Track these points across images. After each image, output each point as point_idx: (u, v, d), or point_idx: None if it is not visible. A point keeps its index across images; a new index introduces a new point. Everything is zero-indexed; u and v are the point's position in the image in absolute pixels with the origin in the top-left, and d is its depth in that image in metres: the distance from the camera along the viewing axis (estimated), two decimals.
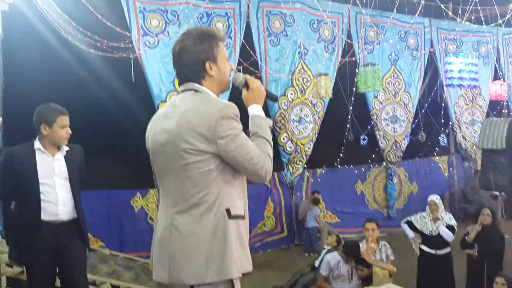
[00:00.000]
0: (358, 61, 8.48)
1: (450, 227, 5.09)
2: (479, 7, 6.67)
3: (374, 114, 8.94)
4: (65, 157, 3.35)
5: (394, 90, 9.14)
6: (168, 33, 6.98)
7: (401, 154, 9.36)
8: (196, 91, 1.92)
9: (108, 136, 8.45)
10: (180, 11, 6.99)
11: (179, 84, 1.99)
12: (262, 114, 2.05)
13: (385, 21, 8.80)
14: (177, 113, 1.86)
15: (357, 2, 6.64)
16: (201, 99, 1.88)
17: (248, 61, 7.43)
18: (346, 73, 8.20)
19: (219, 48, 1.96)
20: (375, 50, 8.83)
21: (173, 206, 1.88)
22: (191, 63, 1.92)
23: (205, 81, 1.94)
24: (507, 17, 6.29)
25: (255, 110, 2.04)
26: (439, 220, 5.13)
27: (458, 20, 7.13)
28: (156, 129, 1.94)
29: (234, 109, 1.84)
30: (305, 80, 8.14)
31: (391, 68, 9.09)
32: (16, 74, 6.49)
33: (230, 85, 2.05)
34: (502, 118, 5.62)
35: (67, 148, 3.38)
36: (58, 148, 3.34)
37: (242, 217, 1.92)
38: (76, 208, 3.34)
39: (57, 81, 7.67)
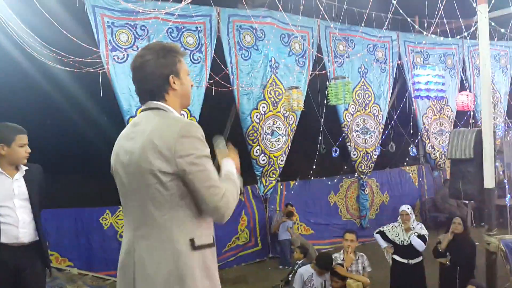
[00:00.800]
0: (328, 74, 8.59)
1: (421, 237, 5.17)
2: (444, 20, 6.86)
3: (345, 126, 9.05)
4: (24, 177, 3.25)
5: (364, 102, 9.29)
6: (137, 47, 6.91)
7: (372, 165, 9.49)
8: (158, 109, 1.87)
9: (76, 153, 8.28)
10: (149, 25, 6.95)
11: (140, 101, 1.95)
12: (233, 167, 2.00)
13: (353, 35, 8.96)
14: (139, 133, 1.80)
15: (326, 16, 6.71)
16: (163, 118, 1.82)
17: (220, 75, 7.42)
18: (317, 86, 8.28)
19: (181, 63, 1.94)
20: (344, 63, 8.96)
21: (136, 229, 1.80)
22: (155, 77, 1.86)
23: (168, 95, 1.89)
24: (472, 29, 6.49)
25: (227, 161, 2.02)
26: (410, 230, 5.21)
27: (425, 33, 7.30)
28: (119, 150, 1.89)
29: (197, 128, 1.78)
30: (277, 93, 8.18)
31: (360, 81, 9.23)
32: None
33: (191, 101, 2.05)
34: (469, 128, 5.75)
35: (25, 168, 3.28)
36: (17, 168, 3.24)
37: (210, 245, 1.83)
38: (37, 229, 3.23)
39: (23, 98, 7.49)
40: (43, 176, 3.45)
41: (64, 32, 5.28)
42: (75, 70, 6.31)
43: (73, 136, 8.35)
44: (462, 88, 10.52)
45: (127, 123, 6.71)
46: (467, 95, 9.11)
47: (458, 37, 7.82)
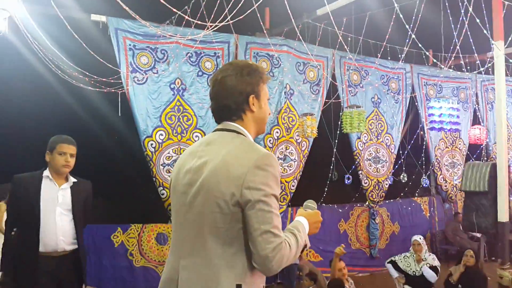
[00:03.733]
0: (342, 103, 8.70)
1: (433, 268, 5.16)
2: (460, 55, 6.99)
3: (357, 154, 9.10)
4: (71, 188, 3.36)
5: (376, 131, 9.36)
6: (157, 70, 7.12)
7: (384, 194, 9.48)
8: (236, 132, 1.73)
9: (90, 170, 8.38)
10: (169, 50, 7.16)
11: (216, 120, 1.83)
12: (307, 225, 1.83)
13: (368, 66, 9.12)
14: (211, 153, 1.66)
15: (345, 47, 6.87)
16: (241, 143, 1.67)
17: None
18: (331, 114, 8.40)
19: (264, 86, 1.83)
20: (358, 92, 9.09)
21: (183, 257, 1.66)
22: (235, 93, 1.74)
23: (246, 116, 1.77)
24: (486, 65, 6.60)
25: (302, 218, 1.84)
26: (422, 261, 5.20)
27: (442, 66, 7.41)
28: (181, 166, 1.74)
29: (273, 160, 1.61)
30: (290, 119, 8.29)
31: (373, 111, 9.33)
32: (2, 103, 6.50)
33: (266, 129, 1.94)
34: (483, 161, 5.79)
35: (74, 180, 3.39)
36: (66, 179, 3.36)
37: None
38: (77, 241, 3.32)
39: (42, 114, 7.69)
40: (91, 192, 3.55)
41: (91, 52, 5.47)
42: (96, 89, 6.50)
43: (88, 154, 8.48)
44: (474, 121, 10.55)
45: (143, 143, 6.99)
46: (480, 128, 9.14)
47: (474, 72, 7.92)
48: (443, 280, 5.37)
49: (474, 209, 4.69)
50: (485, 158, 10.06)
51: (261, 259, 1.53)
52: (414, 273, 5.17)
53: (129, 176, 8.18)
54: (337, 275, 4.73)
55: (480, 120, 10.61)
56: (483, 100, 10.82)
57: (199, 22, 5.54)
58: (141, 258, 7.13)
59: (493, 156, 10.45)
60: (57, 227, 3.23)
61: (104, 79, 6.44)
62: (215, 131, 1.79)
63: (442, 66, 7.01)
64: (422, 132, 9.93)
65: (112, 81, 6.60)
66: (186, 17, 5.22)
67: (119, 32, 6.89)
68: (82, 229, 3.41)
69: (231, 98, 1.75)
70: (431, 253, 5.43)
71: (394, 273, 5.40)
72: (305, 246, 1.75)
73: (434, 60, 5.27)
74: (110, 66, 6.33)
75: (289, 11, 5.04)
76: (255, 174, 1.54)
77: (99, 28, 6.73)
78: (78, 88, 6.61)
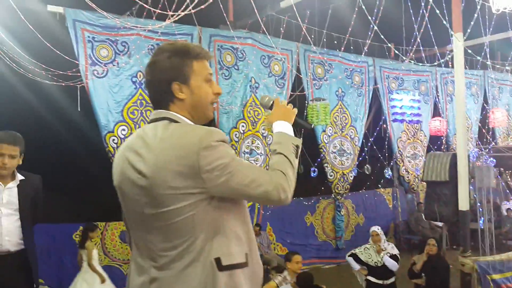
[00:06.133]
0: (307, 95, 8.73)
1: (393, 256, 5.24)
2: (421, 48, 7.12)
3: (323, 147, 9.17)
4: (18, 186, 3.18)
5: (341, 124, 9.45)
6: (117, 63, 6.92)
7: (348, 186, 9.60)
8: (170, 120, 1.60)
9: (50, 167, 8.08)
10: (130, 42, 6.97)
11: (154, 109, 1.70)
12: (288, 131, 1.73)
13: (332, 59, 9.18)
14: (150, 150, 1.53)
15: (309, 39, 6.88)
16: (177, 130, 1.55)
17: None
18: (296, 107, 8.38)
19: (193, 67, 1.63)
20: (322, 86, 9.14)
21: (151, 259, 1.57)
22: (156, 82, 1.62)
23: (174, 105, 1.63)
24: (446, 58, 6.76)
25: (279, 126, 1.73)
26: (382, 251, 5.27)
27: (401, 59, 7.55)
28: (124, 165, 1.60)
29: (217, 134, 1.53)
30: (256, 113, 8.26)
31: (338, 104, 9.41)
32: None
33: (213, 114, 1.76)
34: (444, 152, 5.92)
35: (21, 178, 3.21)
36: (13, 176, 3.18)
37: (242, 265, 1.56)
38: (24, 241, 3.16)
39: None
40: (40, 186, 3.36)
41: (48, 44, 5.23)
42: (55, 83, 6.25)
43: (47, 150, 8.17)
44: (435, 113, 10.83)
45: (104, 139, 6.78)
46: (440, 120, 9.38)
47: (434, 64, 8.09)
48: (406, 269, 5.47)
49: (435, 198, 4.80)
50: (446, 149, 10.33)
51: (269, 201, 1.55)
52: (376, 263, 5.23)
53: (90, 173, 7.92)
54: (293, 268, 4.72)
55: (440, 112, 10.89)
56: (443, 92, 11.11)
57: (161, 12, 5.38)
58: (105, 257, 6.95)
59: (453, 147, 10.77)
60: (2, 227, 3.07)
61: (62, 73, 6.19)
62: (149, 122, 1.66)
63: (405, 58, 7.13)
64: (384, 125, 10.10)
65: (70, 74, 6.36)
66: (148, 6, 5.06)
67: (77, 23, 6.64)
68: (32, 228, 3.25)
69: (154, 88, 1.64)
70: (390, 243, 5.52)
71: (356, 266, 5.46)
72: (297, 147, 1.70)
73: (396, 52, 5.31)
74: (69, 58, 6.10)
75: (252, 3, 4.97)
76: (206, 157, 1.47)
77: (57, 19, 6.47)
78: (35, 82, 6.33)
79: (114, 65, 6.88)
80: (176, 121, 1.60)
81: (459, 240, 8.19)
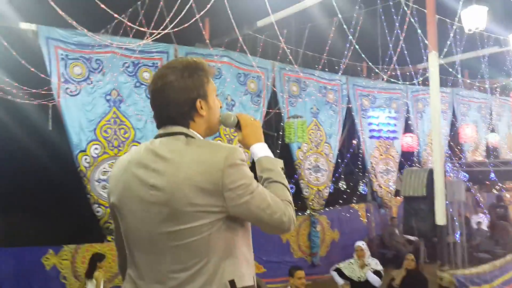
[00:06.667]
0: (283, 113, 8.79)
1: (377, 272, 5.26)
2: (396, 66, 7.30)
3: (298, 164, 9.20)
4: None
5: (316, 141, 9.53)
6: (91, 81, 6.79)
7: (324, 202, 9.65)
8: (187, 136, 1.55)
9: (18, 188, 7.80)
10: (105, 59, 6.86)
11: (158, 126, 1.62)
12: (270, 153, 1.71)
13: (307, 77, 9.29)
14: (169, 165, 1.47)
15: (284, 58, 6.94)
16: (200, 147, 1.51)
17: None
18: (272, 125, 8.44)
19: (210, 83, 1.63)
20: (297, 103, 9.22)
21: (157, 282, 1.49)
22: (179, 102, 1.55)
23: (194, 123, 1.59)
24: (420, 76, 6.96)
25: (260, 150, 1.70)
26: (366, 266, 5.28)
27: (378, 76, 7.72)
28: (131, 180, 1.54)
29: (240, 153, 1.50)
30: (232, 130, 8.21)
31: (313, 121, 9.50)
32: None
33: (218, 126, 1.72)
34: (421, 167, 6.05)
35: None
36: None
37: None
38: None
39: None
40: None
41: (22, 61, 5.07)
42: (26, 101, 6.07)
43: (17, 169, 7.89)
44: (406, 130, 11.08)
45: (76, 158, 6.60)
46: (412, 136, 9.60)
47: (412, 82, 8.28)
48: (386, 284, 5.50)
49: (413, 213, 4.86)
50: (417, 165, 10.56)
51: (278, 230, 1.58)
52: (359, 279, 5.25)
53: (61, 194, 7.67)
54: (296, 284, 4.70)
55: (412, 128, 11.15)
56: (414, 109, 11.40)
57: (141, 29, 5.32)
58: (75, 281, 6.69)
59: (425, 163, 11.02)
60: None
61: (35, 91, 6.01)
62: (159, 136, 1.59)
63: (384, 76, 7.28)
64: (357, 141, 10.25)
65: (43, 92, 6.19)
66: (127, 23, 4.99)
67: (51, 41, 6.50)
68: None
69: (175, 109, 1.56)
70: (374, 258, 5.54)
71: (340, 281, 5.46)
72: (283, 169, 1.71)
73: (375, 69, 5.42)
74: (43, 76, 5.94)
75: (232, 21, 4.98)
76: (230, 175, 1.45)
77: (29, 37, 6.31)
78: (5, 100, 6.12)
79: (88, 83, 6.75)
80: (192, 137, 1.57)
81: (435, 254, 8.35)
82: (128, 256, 1.61)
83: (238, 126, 1.77)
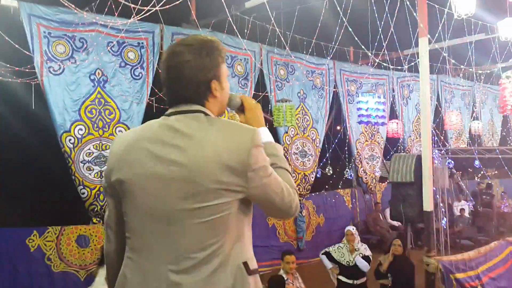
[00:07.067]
0: (270, 97, 8.73)
1: (366, 258, 5.29)
2: (385, 52, 7.28)
3: (285, 149, 9.19)
4: None
5: (303, 126, 9.52)
6: (75, 60, 6.63)
7: (310, 187, 9.68)
8: (206, 114, 1.52)
9: (2, 169, 7.61)
10: (89, 38, 6.69)
11: (170, 104, 1.57)
12: (272, 139, 1.70)
13: (294, 61, 9.22)
14: (194, 142, 1.43)
15: (272, 41, 6.87)
16: (225, 126, 1.49)
17: (162, 92, 7.28)
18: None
19: (224, 65, 1.60)
20: (285, 87, 9.17)
21: (170, 263, 1.43)
22: (196, 82, 1.52)
23: (208, 103, 1.55)
24: (407, 62, 6.97)
25: (264, 135, 1.65)
26: (355, 251, 5.31)
27: (361, 62, 7.70)
28: (144, 157, 1.48)
29: (260, 135, 1.52)
30: (232, 113, 8.16)
31: (300, 105, 9.48)
32: None
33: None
34: (409, 153, 6.09)
35: None
36: None
37: (258, 272, 1.56)
38: None
39: None
40: None
41: (5, 37, 4.90)
42: (8, 79, 5.89)
43: None
44: (391, 116, 11.13)
45: (60, 139, 6.47)
46: (397, 123, 9.64)
47: (392, 68, 8.28)
48: (373, 269, 5.55)
49: (401, 199, 4.89)
50: (402, 151, 10.65)
51: (286, 214, 1.58)
52: (348, 263, 5.27)
53: (45, 175, 7.52)
54: (285, 268, 4.72)
55: (397, 114, 11.21)
56: (399, 95, 11.45)
57: (128, 4, 5.17)
58: (61, 263, 6.62)
59: (408, 149, 11.12)
60: None
61: (18, 69, 5.84)
62: (173, 113, 1.54)
63: (376, 60, 7.24)
64: (343, 126, 10.28)
65: (26, 70, 6.02)
66: (125, 1, 4.84)
67: (33, 18, 6.31)
68: None
69: (191, 89, 1.52)
70: (363, 244, 5.57)
71: (328, 264, 5.47)
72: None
73: (369, 52, 5.38)
74: (25, 52, 5.76)
75: (223, 1, 4.88)
76: (255, 155, 1.45)
77: (10, 13, 6.10)
78: None
79: (71, 62, 6.59)
80: (209, 115, 1.54)
81: (420, 240, 8.47)
82: (131, 239, 1.53)
83: (241, 109, 1.74)
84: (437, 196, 5.50)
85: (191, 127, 1.48)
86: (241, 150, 1.43)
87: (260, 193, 1.48)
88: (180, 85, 1.53)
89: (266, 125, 1.77)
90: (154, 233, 1.47)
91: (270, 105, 8.41)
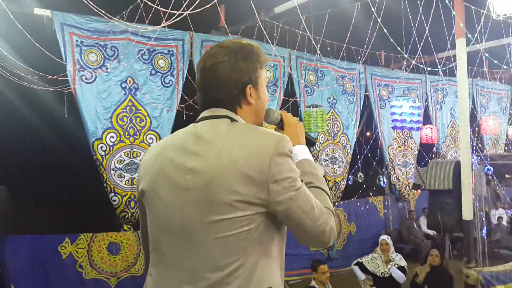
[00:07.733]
0: (299, 103, 8.63)
1: (401, 268, 5.10)
2: (421, 55, 7.08)
3: (315, 155, 9.04)
4: None
5: (333, 132, 9.36)
6: (107, 68, 6.71)
7: (341, 195, 9.49)
8: (230, 119, 1.42)
9: (35, 176, 7.78)
10: (120, 46, 6.76)
11: (201, 108, 1.51)
12: (311, 158, 1.55)
13: (324, 66, 9.09)
14: (211, 148, 1.34)
15: (301, 47, 6.78)
16: (246, 130, 1.38)
17: (192, 99, 7.29)
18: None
19: (262, 71, 1.51)
20: (315, 93, 9.05)
21: (186, 282, 1.32)
22: (229, 83, 1.43)
23: (241, 110, 1.46)
24: (443, 66, 6.73)
25: (302, 152, 1.53)
26: (390, 262, 5.13)
27: (398, 67, 7.50)
28: (166, 165, 1.40)
29: (289, 143, 1.37)
30: (273, 127, 8.10)
31: (330, 111, 9.32)
32: None
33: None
34: (447, 160, 5.86)
35: None
36: None
37: None
38: None
39: None
40: (8, 198, 3.14)
41: (38, 46, 4.98)
42: (41, 88, 6.00)
43: (33, 158, 7.87)
44: (424, 121, 10.82)
45: (92, 146, 6.54)
46: (431, 128, 9.35)
47: (428, 71, 8.06)
48: (409, 280, 5.35)
49: (438, 207, 4.69)
50: (437, 157, 10.32)
51: (317, 240, 1.37)
52: (382, 274, 5.09)
53: (77, 182, 7.64)
54: (320, 278, 4.61)
55: (431, 119, 10.89)
56: (433, 100, 11.13)
57: (158, 8, 5.17)
58: (92, 270, 6.66)
59: (443, 155, 10.77)
60: None
61: (51, 77, 5.95)
62: (201, 119, 1.46)
63: (413, 62, 7.02)
64: (375, 132, 10.05)
65: (58, 78, 6.12)
66: (147, 2, 4.85)
67: (65, 27, 6.42)
68: (3, 243, 3.03)
69: (224, 91, 1.44)
70: (398, 253, 5.37)
71: (361, 275, 5.30)
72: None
73: (407, 56, 5.20)
74: (58, 60, 5.85)
75: (253, 6, 4.82)
76: (278, 164, 1.30)
77: (43, 23, 6.23)
78: (20, 87, 6.07)
79: (103, 70, 6.67)
80: (236, 121, 1.44)
81: (456, 249, 8.14)
82: (153, 254, 1.45)
83: (280, 125, 1.65)
84: (476, 204, 5.27)
85: (213, 132, 1.38)
86: (261, 157, 1.30)
87: (285, 210, 1.31)
88: (213, 87, 1.45)
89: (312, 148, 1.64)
90: (171, 247, 1.38)
91: (299, 112, 8.29)
